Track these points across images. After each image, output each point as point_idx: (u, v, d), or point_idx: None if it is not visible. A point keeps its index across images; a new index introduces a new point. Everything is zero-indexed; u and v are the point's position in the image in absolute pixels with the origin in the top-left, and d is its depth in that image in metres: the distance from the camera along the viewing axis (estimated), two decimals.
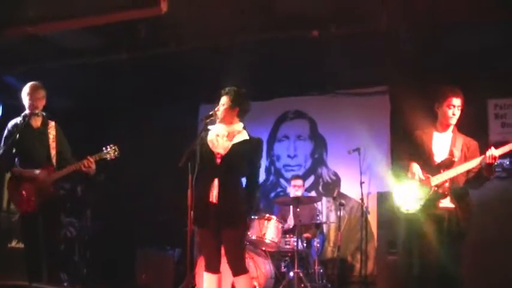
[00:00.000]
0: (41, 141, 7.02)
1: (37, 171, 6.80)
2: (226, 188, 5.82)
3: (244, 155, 5.92)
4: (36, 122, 7.08)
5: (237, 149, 5.91)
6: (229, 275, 6.15)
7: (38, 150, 6.97)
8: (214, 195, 5.80)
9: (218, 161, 5.89)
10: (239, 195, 5.94)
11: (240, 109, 6.05)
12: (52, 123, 7.17)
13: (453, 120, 6.21)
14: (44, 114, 7.14)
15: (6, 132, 6.94)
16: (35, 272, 6.72)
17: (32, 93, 6.97)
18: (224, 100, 5.99)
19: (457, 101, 6.15)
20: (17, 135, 6.88)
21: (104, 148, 7.06)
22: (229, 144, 5.91)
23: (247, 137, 6.03)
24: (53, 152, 7.02)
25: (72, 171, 6.89)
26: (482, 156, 5.84)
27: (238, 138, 5.97)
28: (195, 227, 5.92)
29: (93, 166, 6.90)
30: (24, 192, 6.81)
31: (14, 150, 6.91)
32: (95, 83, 10.64)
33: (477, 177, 6.03)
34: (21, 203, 6.85)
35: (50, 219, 6.94)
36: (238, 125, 6.05)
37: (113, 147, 7.11)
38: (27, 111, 7.00)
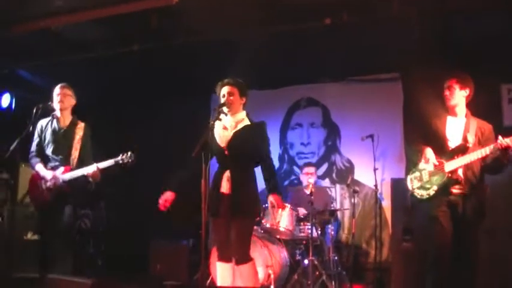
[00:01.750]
0: (65, 141, 7.14)
1: (50, 174, 6.95)
2: (237, 179, 5.93)
3: (247, 141, 5.98)
4: (65, 121, 7.23)
5: (240, 137, 6.01)
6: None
7: (59, 149, 7.10)
8: (225, 186, 5.92)
9: (226, 152, 5.99)
10: (250, 185, 6.02)
11: (246, 100, 6.20)
12: (81, 124, 7.31)
13: (452, 102, 6.25)
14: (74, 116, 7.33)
15: (36, 130, 7.13)
16: (48, 263, 6.84)
17: (59, 91, 7.15)
18: (231, 90, 6.08)
19: (448, 82, 6.20)
20: (44, 134, 7.10)
21: (120, 155, 7.06)
22: (230, 134, 6.02)
23: (249, 123, 6.11)
24: (75, 153, 7.13)
25: (82, 174, 6.96)
26: (494, 144, 5.82)
27: (239, 126, 6.07)
28: (209, 216, 5.94)
29: (98, 174, 6.99)
30: (40, 188, 6.98)
31: (39, 147, 7.12)
32: (106, 76, 10.64)
33: (495, 163, 6.00)
34: (36, 197, 7.03)
35: (65, 212, 7.01)
36: (242, 113, 6.16)
37: (128, 154, 7.09)
38: (56, 113, 7.18)
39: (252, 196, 6.04)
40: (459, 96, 6.26)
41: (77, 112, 7.40)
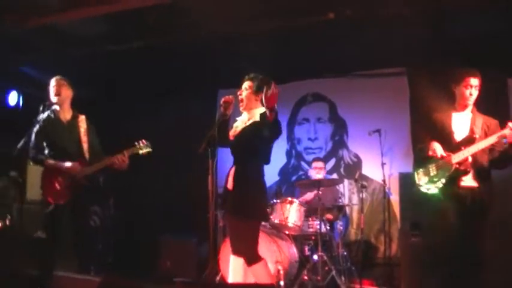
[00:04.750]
0: (71, 135, 7.08)
1: (69, 164, 6.84)
2: (240, 175, 5.83)
3: (250, 136, 5.86)
4: (65, 115, 7.15)
5: (246, 131, 5.92)
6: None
7: (68, 143, 7.02)
8: (230, 182, 5.85)
9: (235, 147, 5.97)
10: (252, 183, 5.87)
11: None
12: (82, 117, 7.24)
13: (471, 101, 6.21)
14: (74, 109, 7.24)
15: (36, 126, 6.96)
16: (52, 261, 6.79)
17: (54, 83, 7.04)
18: (247, 84, 5.99)
19: (474, 81, 6.15)
20: (47, 129, 6.96)
21: (136, 143, 7.10)
22: (237, 130, 5.97)
23: (258, 119, 5.93)
24: (85, 146, 7.08)
25: (106, 165, 6.97)
26: (503, 131, 5.81)
27: (250, 122, 5.97)
28: (219, 212, 5.93)
29: (127, 161, 6.98)
30: (57, 185, 6.85)
31: (44, 144, 6.95)
32: (112, 72, 10.66)
33: (503, 156, 5.99)
34: (53, 195, 6.85)
35: (80, 210, 7.05)
36: (259, 110, 5.96)
37: (145, 143, 7.15)
38: (55, 106, 7.07)
39: (254, 195, 5.86)
40: (477, 95, 6.24)
41: (83, 108, 7.39)
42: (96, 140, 7.26)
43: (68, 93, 7.14)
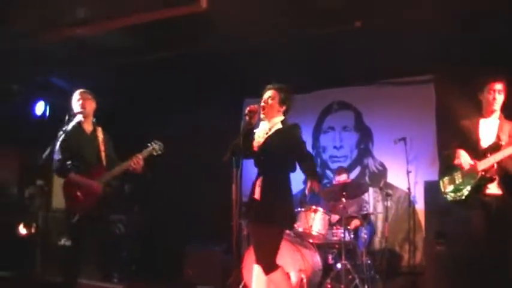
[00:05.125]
0: (93, 145, 7.25)
1: (91, 182, 6.98)
2: (267, 184, 5.84)
3: (278, 145, 5.89)
4: (88, 127, 7.33)
5: (271, 141, 5.94)
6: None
7: (89, 154, 7.19)
8: (257, 192, 5.86)
9: (261, 158, 5.95)
10: (280, 191, 5.91)
11: (287, 108, 6.12)
12: (99, 128, 7.42)
13: (496, 106, 6.19)
14: (94, 120, 7.39)
15: (62, 138, 7.04)
16: (77, 269, 6.87)
17: (78, 96, 7.24)
18: (273, 94, 6.04)
19: (498, 86, 6.15)
20: (71, 140, 7.08)
21: (148, 144, 7.31)
22: (263, 140, 5.97)
23: (281, 126, 6.02)
24: (103, 154, 7.26)
25: (123, 170, 7.13)
26: None
27: (272, 131, 6.01)
28: (243, 221, 5.94)
29: (142, 163, 7.13)
30: (80, 196, 6.96)
31: (68, 155, 7.05)
32: (140, 82, 10.72)
33: None
34: (77, 206, 6.96)
35: (104, 219, 7.29)
36: (278, 118, 6.05)
37: (158, 143, 7.37)
38: (79, 118, 7.21)
39: (282, 204, 5.89)
40: (502, 100, 6.21)
41: (109, 118, 7.48)
42: (112, 150, 7.45)
43: (92, 106, 7.34)
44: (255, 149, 5.98)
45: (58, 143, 7.01)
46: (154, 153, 7.32)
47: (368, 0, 7.98)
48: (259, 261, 5.88)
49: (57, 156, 7.00)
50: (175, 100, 11.58)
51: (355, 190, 9.08)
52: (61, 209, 8.37)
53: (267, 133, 6.00)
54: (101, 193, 6.96)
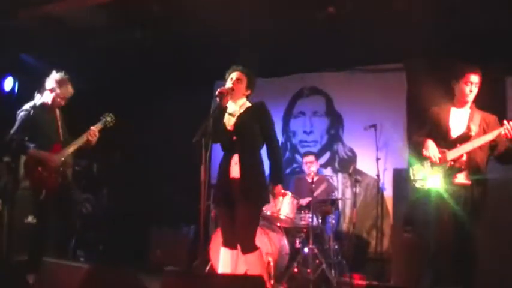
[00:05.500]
0: (53, 124, 7.25)
1: (47, 155, 6.98)
2: (246, 162, 5.89)
3: (251, 122, 5.98)
4: (53, 108, 7.30)
5: (245, 119, 5.99)
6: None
7: (50, 131, 7.19)
8: (235, 170, 5.87)
9: (234, 137, 5.94)
10: (258, 169, 6.00)
11: (251, 93, 6.23)
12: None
13: (470, 97, 6.18)
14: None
15: (23, 115, 7.05)
16: (42, 247, 6.92)
17: (68, 83, 7.26)
18: (240, 76, 6.09)
19: (475, 78, 6.12)
20: (33, 117, 7.06)
21: (101, 117, 7.36)
22: (235, 118, 6.00)
23: (250, 104, 6.12)
24: (60, 131, 7.26)
25: (80, 145, 7.15)
26: (500, 129, 5.80)
27: (242, 109, 6.06)
28: (212, 203, 5.93)
29: (97, 135, 7.20)
30: (42, 170, 6.95)
31: (28, 131, 7.03)
32: (108, 63, 10.60)
33: (506, 153, 5.98)
34: (42, 182, 6.96)
35: (71, 197, 7.23)
36: (242, 100, 6.14)
37: (109, 115, 7.42)
38: (46, 100, 7.20)
39: (261, 181, 6.02)
40: (476, 92, 6.22)
41: (79, 100, 7.45)
42: (65, 125, 7.41)
43: (70, 91, 7.30)
44: (230, 128, 5.97)
45: (19, 121, 7.01)
46: (107, 125, 7.36)
47: None
48: (241, 241, 5.88)
49: (13, 133, 6.98)
50: (145, 83, 11.48)
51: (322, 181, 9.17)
52: (28, 186, 8.33)
53: (238, 112, 6.02)
54: (58, 166, 6.96)
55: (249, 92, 6.16)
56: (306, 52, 10.10)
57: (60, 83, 7.18)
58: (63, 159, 7.02)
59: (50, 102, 7.18)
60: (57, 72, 7.26)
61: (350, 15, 8.32)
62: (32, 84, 7.51)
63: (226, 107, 5.92)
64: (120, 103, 11.23)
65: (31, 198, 7.26)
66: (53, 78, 7.17)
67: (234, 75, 6.09)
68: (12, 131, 6.91)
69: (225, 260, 5.97)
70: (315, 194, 8.68)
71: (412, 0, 7.86)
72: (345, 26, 8.82)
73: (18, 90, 10.08)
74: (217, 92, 5.81)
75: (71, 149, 7.11)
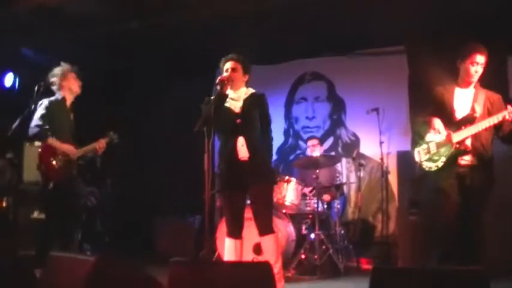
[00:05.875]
0: (66, 118, 7.43)
1: (68, 146, 7.21)
2: (253, 144, 5.89)
3: (255, 108, 6.02)
4: (69, 104, 7.50)
5: (249, 104, 6.00)
6: (251, 238, 6.19)
7: (67, 128, 7.40)
8: (243, 151, 5.86)
9: (238, 120, 5.94)
10: (264, 150, 6.05)
11: (249, 77, 6.21)
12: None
13: (475, 78, 6.14)
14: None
15: (45, 106, 7.19)
16: (50, 241, 7.01)
17: (77, 77, 7.52)
18: (234, 65, 6.06)
19: (481, 58, 6.07)
20: (54, 112, 7.24)
21: (110, 133, 7.65)
22: (241, 103, 6.00)
23: (253, 91, 6.14)
24: (72, 128, 7.48)
25: (89, 150, 7.43)
26: (505, 112, 5.77)
27: (246, 95, 6.08)
28: (216, 192, 5.94)
29: (105, 147, 7.52)
30: (55, 164, 7.10)
31: (47, 123, 7.15)
32: (106, 54, 10.58)
33: (510, 134, 5.96)
34: (51, 173, 7.08)
35: (77, 191, 7.37)
36: (244, 89, 6.14)
37: (115, 134, 7.71)
38: (62, 93, 7.42)
39: (270, 161, 6.17)
40: (481, 72, 6.17)
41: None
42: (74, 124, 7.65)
43: (77, 83, 7.51)
44: (237, 114, 5.96)
45: (41, 111, 7.13)
46: (112, 142, 7.63)
47: None
48: (260, 221, 5.91)
49: (36, 122, 7.08)
50: (145, 72, 11.45)
51: (327, 161, 9.09)
52: (33, 182, 8.35)
53: (244, 97, 6.04)
54: (75, 160, 7.23)
55: (247, 77, 6.15)
56: (305, 37, 10.07)
57: (62, 76, 7.33)
58: (79, 155, 7.28)
59: (60, 98, 7.35)
60: (59, 66, 7.39)
61: None
62: (33, 79, 7.50)
63: (227, 95, 5.89)
64: (118, 95, 11.27)
65: (38, 193, 7.33)
66: (55, 74, 7.32)
67: (228, 65, 6.08)
68: (14, 126, 6.91)
69: (230, 250, 5.97)
70: (320, 180, 8.65)
71: None
72: (345, 9, 8.79)
73: (19, 85, 10.06)
74: (217, 80, 5.79)
75: (85, 150, 7.36)
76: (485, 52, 6.09)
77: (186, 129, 6.14)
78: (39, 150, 7.17)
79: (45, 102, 7.19)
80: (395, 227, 9.47)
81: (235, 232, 5.98)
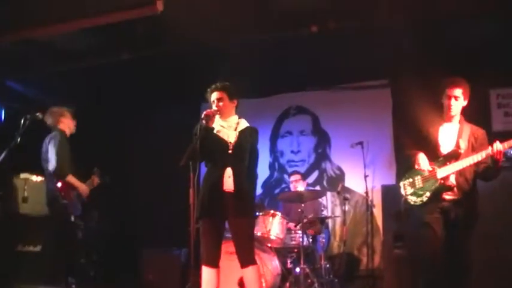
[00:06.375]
0: (71, 154, 7.76)
1: (84, 186, 7.79)
2: (240, 176, 5.88)
3: (247, 142, 6.04)
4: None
5: (243, 136, 6.03)
6: (235, 272, 6.18)
7: (72, 159, 7.74)
8: (229, 183, 5.83)
9: (230, 151, 5.94)
10: (249, 184, 6.07)
11: (237, 101, 6.24)
12: None
13: (453, 111, 6.14)
14: None
15: (60, 140, 7.57)
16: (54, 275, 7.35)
17: (74, 116, 7.99)
18: (219, 95, 6.09)
19: (455, 91, 6.08)
20: (67, 149, 7.64)
21: (100, 171, 8.17)
22: (236, 133, 6.02)
23: (248, 124, 6.17)
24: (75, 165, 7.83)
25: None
26: (488, 149, 5.80)
27: (241, 126, 6.10)
28: (199, 222, 5.92)
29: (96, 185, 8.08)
30: (74, 198, 7.66)
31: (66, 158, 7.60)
32: (95, 85, 10.60)
33: (486, 172, 5.99)
34: (72, 207, 7.60)
35: (66, 224, 7.58)
36: (235, 117, 6.18)
37: (108, 176, 8.34)
38: (62, 128, 7.80)
39: (253, 197, 6.22)
40: (461, 105, 6.20)
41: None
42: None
43: (72, 123, 7.99)
44: (230, 143, 5.96)
45: (56, 147, 7.45)
46: (104, 181, 8.26)
47: (324, 5, 7.99)
48: (242, 253, 5.90)
49: (54, 156, 7.43)
50: (132, 105, 11.46)
51: (312, 195, 9.12)
52: (21, 214, 8.42)
53: (238, 128, 6.08)
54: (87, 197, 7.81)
55: (235, 102, 6.19)
56: (290, 71, 10.15)
57: (61, 113, 7.80)
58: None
59: (64, 133, 7.72)
60: (54, 106, 7.82)
61: (333, 33, 8.36)
62: (19, 111, 7.54)
63: (213, 128, 5.92)
64: (106, 125, 11.27)
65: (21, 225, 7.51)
66: (54, 110, 7.75)
67: (213, 96, 6.11)
68: (0, 158, 6.90)
69: (208, 279, 5.91)
70: (304, 214, 8.65)
71: (394, 16, 7.90)
72: (329, 44, 8.87)
73: (5, 117, 10.06)
74: (203, 115, 5.81)
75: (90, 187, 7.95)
76: (462, 85, 6.10)
77: (171, 161, 6.15)
78: (59, 185, 7.50)
79: (56, 136, 7.51)
80: (381, 260, 9.48)
81: (213, 261, 5.91)
